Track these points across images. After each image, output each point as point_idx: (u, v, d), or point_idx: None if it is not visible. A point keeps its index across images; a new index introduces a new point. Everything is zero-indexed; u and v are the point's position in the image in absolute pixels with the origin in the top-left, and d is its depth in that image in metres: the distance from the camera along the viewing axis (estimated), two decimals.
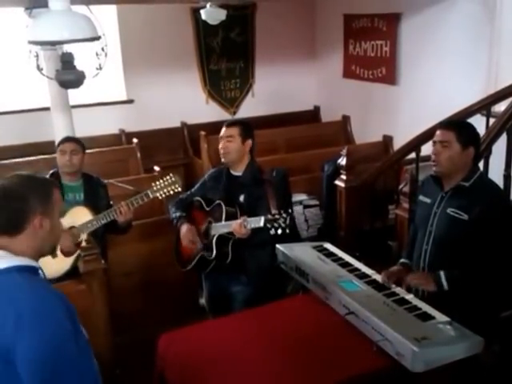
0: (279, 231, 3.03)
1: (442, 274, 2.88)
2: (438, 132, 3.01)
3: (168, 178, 3.73)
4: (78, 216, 3.63)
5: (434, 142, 3.01)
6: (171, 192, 3.74)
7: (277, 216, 3.03)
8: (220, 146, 3.54)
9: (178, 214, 3.62)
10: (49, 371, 1.71)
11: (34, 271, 1.88)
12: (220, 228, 3.35)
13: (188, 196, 3.73)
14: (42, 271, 1.95)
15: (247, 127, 3.56)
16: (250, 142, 3.53)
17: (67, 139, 3.92)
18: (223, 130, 3.55)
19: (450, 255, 2.94)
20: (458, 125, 3.06)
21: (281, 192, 3.43)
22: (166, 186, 3.71)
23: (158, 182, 3.72)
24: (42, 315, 1.73)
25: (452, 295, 2.87)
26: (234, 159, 3.51)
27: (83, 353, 1.84)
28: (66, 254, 3.55)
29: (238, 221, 3.21)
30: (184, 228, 3.53)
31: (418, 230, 3.21)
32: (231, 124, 3.58)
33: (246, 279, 3.49)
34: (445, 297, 2.87)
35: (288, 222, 3.02)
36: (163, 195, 3.74)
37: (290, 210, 3.11)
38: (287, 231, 3.06)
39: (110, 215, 3.64)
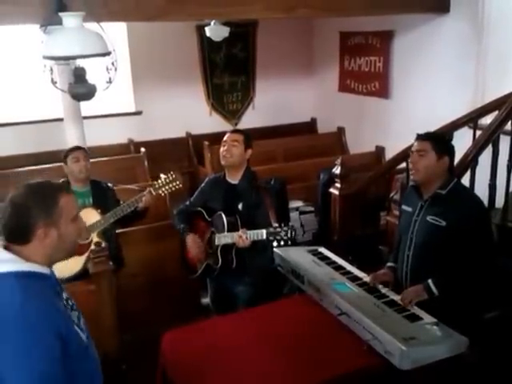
0: (282, 243, 3.05)
1: (430, 282, 2.88)
2: (415, 143, 3.06)
3: (169, 175, 3.73)
4: (88, 217, 3.65)
5: (412, 152, 3.05)
6: (172, 189, 3.73)
7: (278, 229, 3.05)
8: (223, 149, 3.49)
9: (182, 226, 3.61)
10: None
11: (40, 278, 1.80)
12: (223, 238, 3.37)
13: (189, 205, 3.70)
14: (53, 276, 1.88)
15: (249, 138, 3.57)
16: (250, 151, 3.54)
17: (77, 148, 3.97)
18: (228, 135, 3.54)
19: (430, 260, 2.96)
20: (434, 136, 3.11)
21: (279, 201, 3.44)
22: (167, 184, 3.72)
23: (159, 181, 3.73)
24: (24, 326, 1.67)
25: (438, 298, 2.87)
26: (234, 163, 3.49)
27: (79, 354, 1.79)
28: (78, 251, 3.58)
29: (240, 233, 3.23)
30: (190, 239, 3.53)
31: (401, 237, 3.23)
32: (236, 131, 3.64)
33: (249, 280, 3.50)
34: (431, 299, 2.87)
35: (290, 234, 3.04)
36: (165, 192, 3.74)
37: (289, 222, 3.11)
38: (289, 243, 3.07)
39: (116, 214, 3.68)
